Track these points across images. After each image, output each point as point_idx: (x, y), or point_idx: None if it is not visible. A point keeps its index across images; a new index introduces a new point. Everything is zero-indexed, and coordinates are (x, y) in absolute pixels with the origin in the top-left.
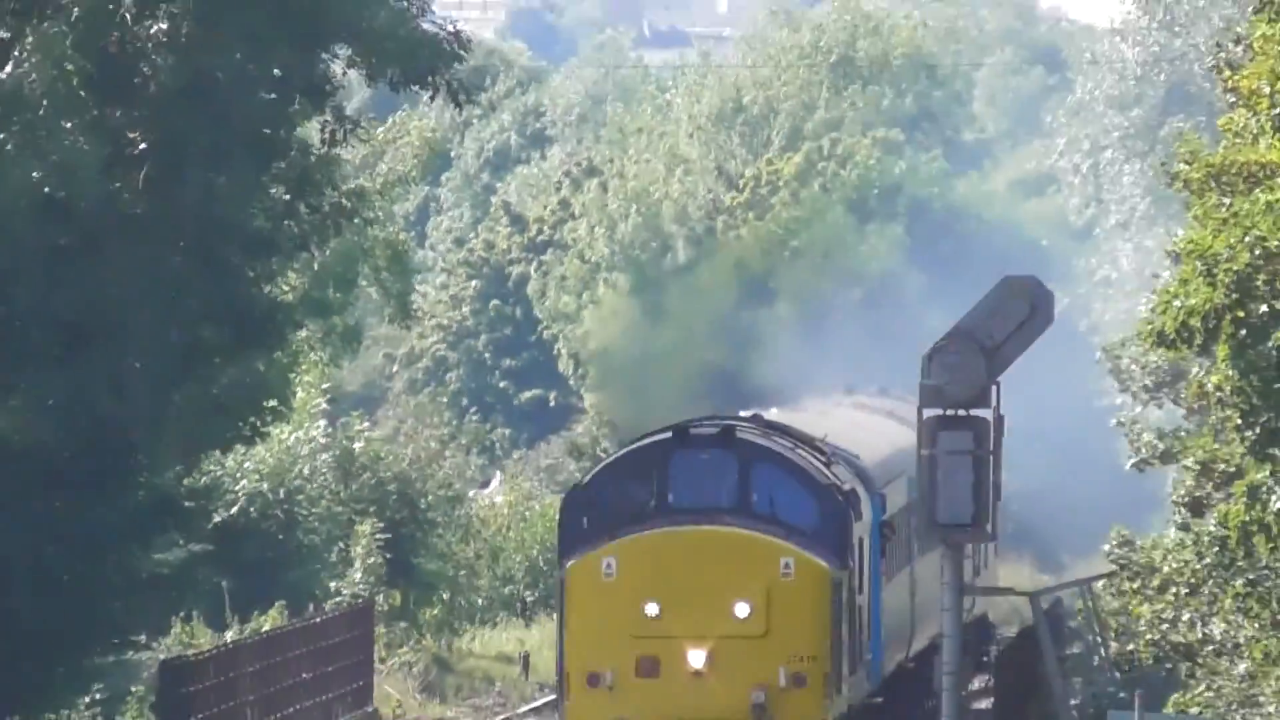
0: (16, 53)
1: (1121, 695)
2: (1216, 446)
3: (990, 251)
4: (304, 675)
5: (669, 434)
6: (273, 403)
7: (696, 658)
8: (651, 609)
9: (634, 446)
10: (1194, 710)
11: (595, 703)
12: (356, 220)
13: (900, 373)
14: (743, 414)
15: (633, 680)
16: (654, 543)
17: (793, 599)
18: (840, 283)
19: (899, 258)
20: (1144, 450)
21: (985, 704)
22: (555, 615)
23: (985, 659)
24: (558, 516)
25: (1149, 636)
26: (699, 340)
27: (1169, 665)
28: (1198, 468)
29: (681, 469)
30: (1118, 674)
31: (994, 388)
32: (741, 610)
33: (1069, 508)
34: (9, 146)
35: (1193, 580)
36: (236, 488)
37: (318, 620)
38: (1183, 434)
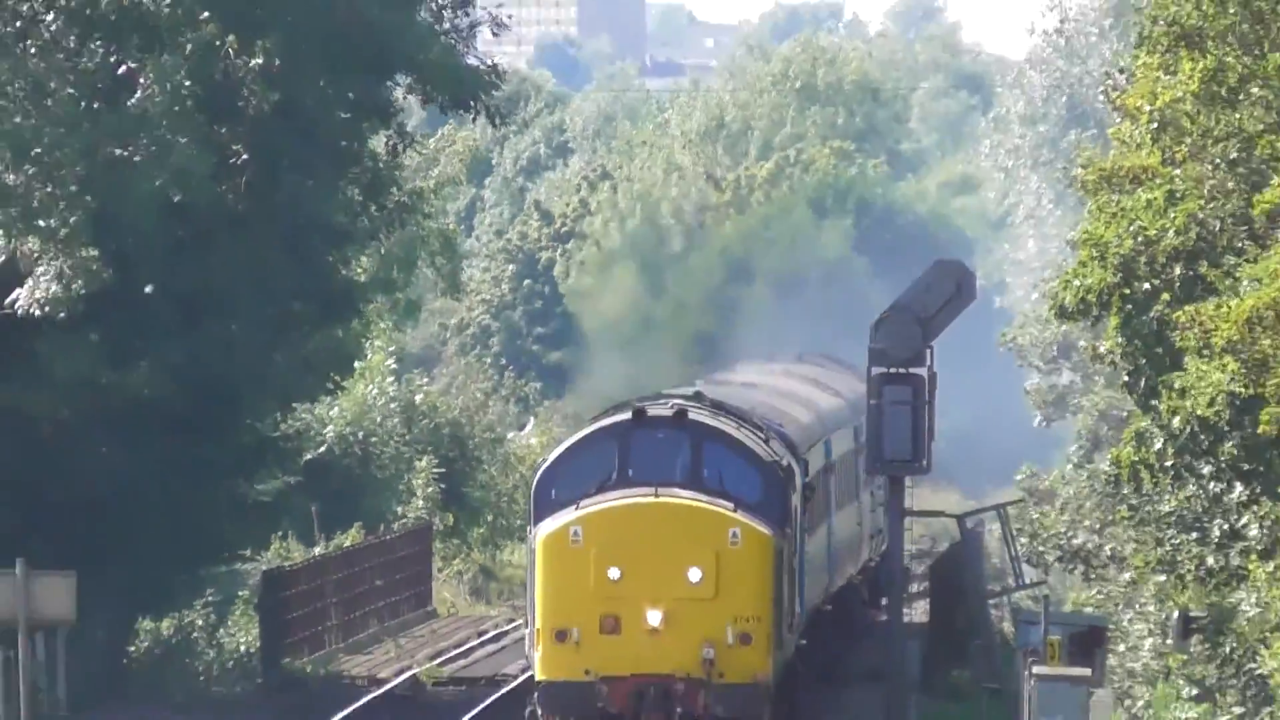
0: (142, 80)
1: (1030, 599)
2: (1111, 395)
3: (924, 240)
4: (376, 582)
5: (628, 414)
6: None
7: (654, 617)
8: (614, 573)
9: (597, 426)
10: (1087, 610)
11: (563, 655)
12: (415, 215)
13: (850, 340)
14: (686, 390)
15: (597, 636)
16: (616, 513)
17: (739, 565)
18: (803, 266)
19: (849, 246)
20: (1046, 409)
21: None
22: (527, 582)
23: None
24: (533, 490)
25: (1054, 542)
26: (691, 312)
27: (1070, 568)
28: (1096, 413)
29: (640, 446)
30: (1026, 577)
31: (928, 350)
32: (694, 575)
33: (990, 450)
34: (138, 158)
35: (1085, 504)
36: (323, 431)
37: (387, 538)
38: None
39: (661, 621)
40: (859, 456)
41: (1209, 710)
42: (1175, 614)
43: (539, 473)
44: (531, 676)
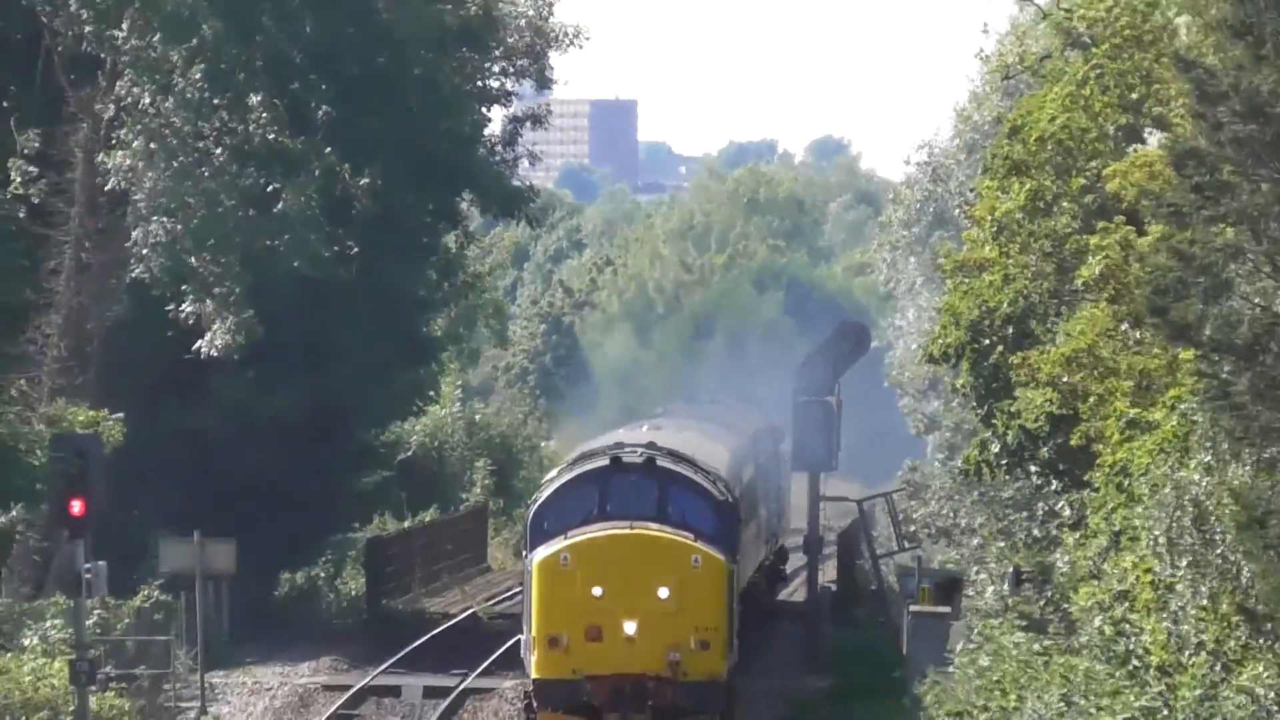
0: (284, 195)
1: (908, 560)
2: (963, 415)
3: (833, 308)
4: (447, 547)
5: (606, 461)
6: (430, 394)
7: (630, 627)
8: (597, 591)
9: (579, 471)
10: (948, 566)
11: (555, 658)
12: (475, 290)
13: (781, 377)
14: (641, 440)
15: (583, 643)
16: (598, 542)
17: (700, 585)
18: (748, 326)
19: (781, 312)
20: (919, 425)
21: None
22: (523, 596)
23: (784, 570)
24: (528, 524)
25: (924, 521)
26: (671, 358)
27: (936, 540)
28: (953, 427)
29: (617, 488)
30: (905, 545)
31: (836, 385)
32: (663, 593)
33: (880, 454)
34: (280, 248)
35: (946, 492)
36: (410, 440)
37: (454, 515)
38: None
39: (636, 630)
40: (758, 481)
41: (1033, 637)
42: (1010, 569)
43: (533, 508)
44: (527, 677)
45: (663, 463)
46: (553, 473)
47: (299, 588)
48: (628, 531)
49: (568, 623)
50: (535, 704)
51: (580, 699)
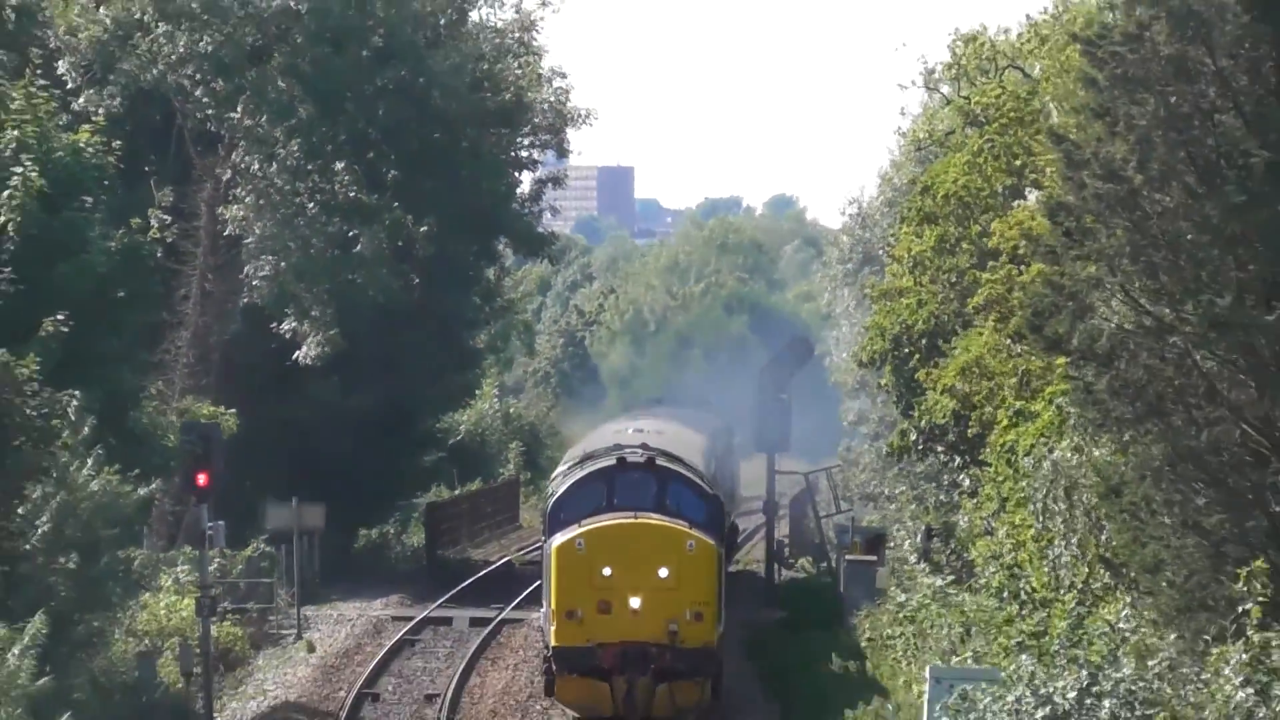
0: (361, 239)
1: (844, 522)
2: (887, 410)
3: (787, 327)
4: (488, 509)
5: (613, 461)
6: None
7: (635, 602)
8: (606, 571)
9: (591, 469)
10: (875, 525)
11: (571, 628)
12: (510, 312)
13: (746, 382)
14: (635, 441)
15: (595, 615)
16: (608, 530)
17: (694, 566)
18: (720, 342)
19: (747, 330)
20: (852, 416)
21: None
22: (543, 576)
23: (737, 541)
24: (548, 514)
25: (858, 491)
26: (660, 366)
27: (865, 505)
28: (878, 418)
29: (622, 484)
30: (841, 509)
31: (788, 384)
32: (663, 573)
33: (822, 438)
34: (359, 281)
35: (873, 468)
36: (459, 428)
37: (494, 485)
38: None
39: (640, 605)
40: (718, 470)
41: (940, 579)
42: (923, 527)
43: (551, 501)
44: (547, 645)
45: (661, 462)
46: (562, 468)
47: (373, 541)
48: (633, 521)
49: (582, 598)
50: (554, 668)
51: (593, 663)
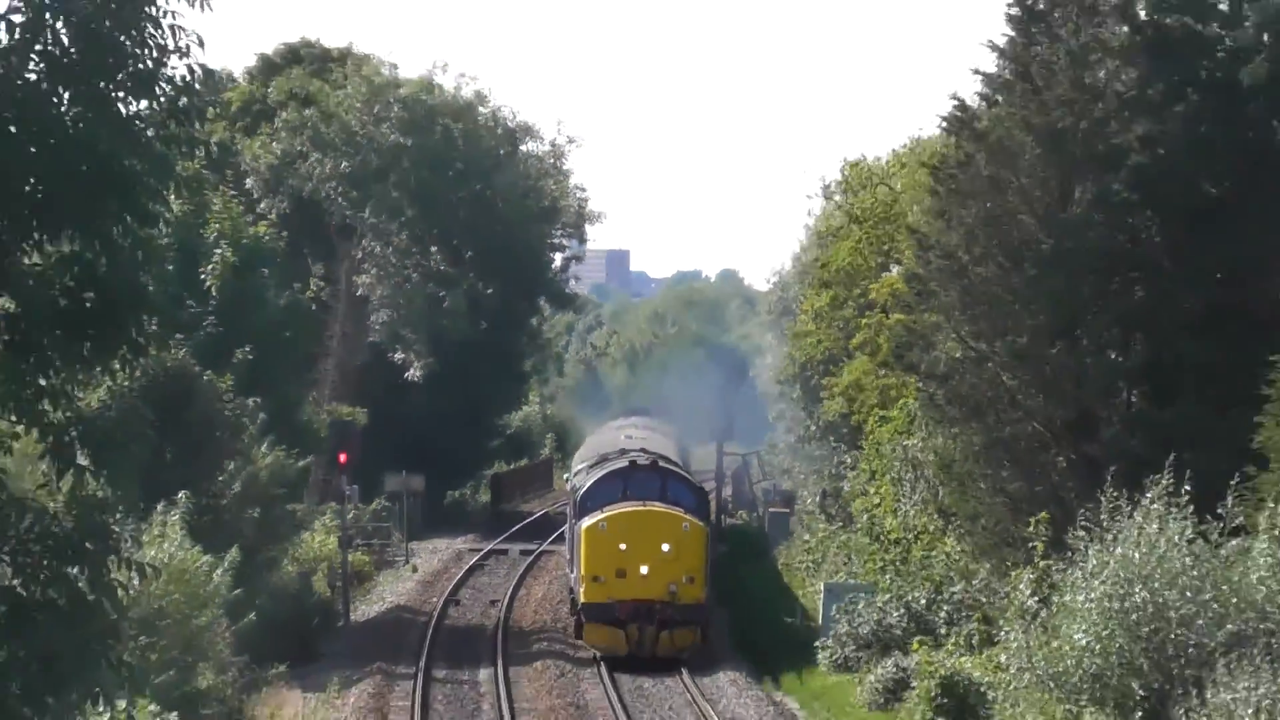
0: (448, 298)
1: (769, 486)
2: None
3: (731, 356)
4: (532, 479)
5: (626, 464)
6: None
7: (644, 569)
8: (622, 545)
9: (609, 469)
10: (788, 488)
11: (596, 589)
12: (547, 348)
13: (704, 394)
14: (637, 446)
15: (614, 579)
16: (624, 515)
17: (688, 541)
18: (688, 366)
19: (706, 359)
20: (774, 415)
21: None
22: (571, 550)
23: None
24: (576, 502)
25: (779, 466)
26: (648, 384)
27: (783, 475)
28: (791, 415)
29: (634, 480)
30: (766, 478)
31: (730, 395)
32: (665, 547)
33: (753, 429)
34: (448, 324)
35: (789, 451)
36: (514, 424)
37: (537, 462)
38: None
39: (648, 571)
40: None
41: (830, 526)
42: (820, 490)
43: (579, 493)
44: (576, 602)
45: (662, 464)
46: (582, 465)
47: (456, 499)
48: (642, 508)
49: (604, 567)
50: (583, 619)
51: (613, 615)
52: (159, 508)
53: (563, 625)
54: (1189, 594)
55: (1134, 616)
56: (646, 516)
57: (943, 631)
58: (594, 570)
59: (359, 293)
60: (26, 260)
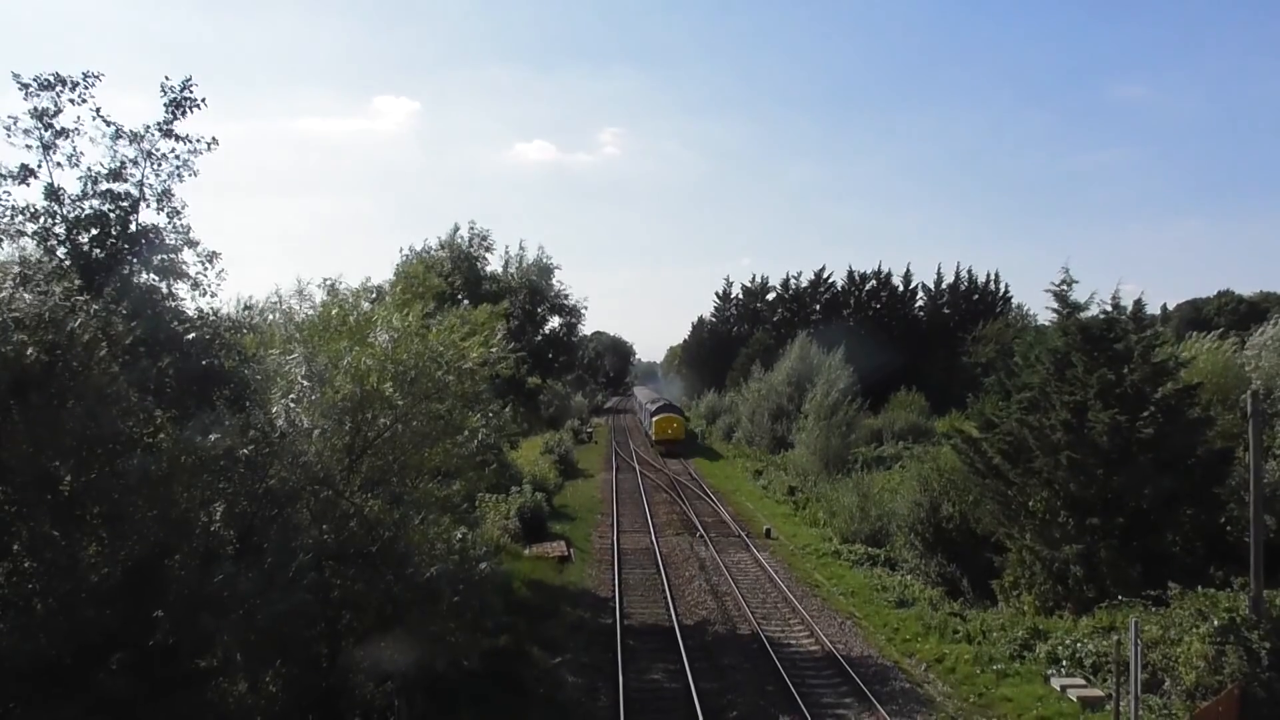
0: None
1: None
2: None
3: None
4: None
5: (663, 402)
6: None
7: (669, 431)
8: (661, 421)
9: (660, 404)
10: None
11: (654, 435)
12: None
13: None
14: (662, 399)
15: (659, 432)
16: (664, 416)
17: (679, 424)
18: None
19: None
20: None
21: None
22: (646, 421)
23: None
24: (650, 413)
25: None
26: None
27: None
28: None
29: (662, 407)
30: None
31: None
32: (674, 425)
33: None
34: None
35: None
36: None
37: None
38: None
39: (670, 431)
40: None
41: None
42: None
43: (649, 408)
44: (649, 435)
45: (674, 403)
46: (646, 402)
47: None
48: (667, 414)
49: (658, 431)
50: (651, 443)
51: (658, 441)
52: None
53: (641, 438)
54: None
55: None
56: (668, 417)
57: None
58: (655, 432)
59: None
60: None
